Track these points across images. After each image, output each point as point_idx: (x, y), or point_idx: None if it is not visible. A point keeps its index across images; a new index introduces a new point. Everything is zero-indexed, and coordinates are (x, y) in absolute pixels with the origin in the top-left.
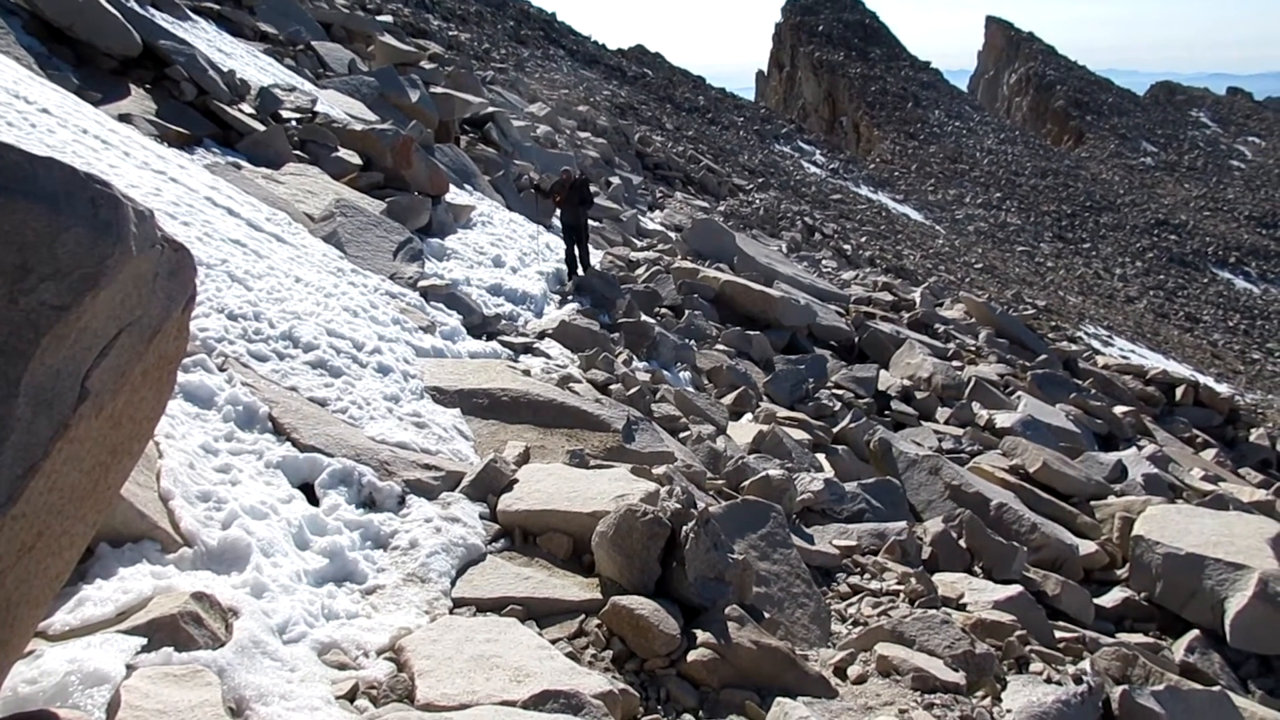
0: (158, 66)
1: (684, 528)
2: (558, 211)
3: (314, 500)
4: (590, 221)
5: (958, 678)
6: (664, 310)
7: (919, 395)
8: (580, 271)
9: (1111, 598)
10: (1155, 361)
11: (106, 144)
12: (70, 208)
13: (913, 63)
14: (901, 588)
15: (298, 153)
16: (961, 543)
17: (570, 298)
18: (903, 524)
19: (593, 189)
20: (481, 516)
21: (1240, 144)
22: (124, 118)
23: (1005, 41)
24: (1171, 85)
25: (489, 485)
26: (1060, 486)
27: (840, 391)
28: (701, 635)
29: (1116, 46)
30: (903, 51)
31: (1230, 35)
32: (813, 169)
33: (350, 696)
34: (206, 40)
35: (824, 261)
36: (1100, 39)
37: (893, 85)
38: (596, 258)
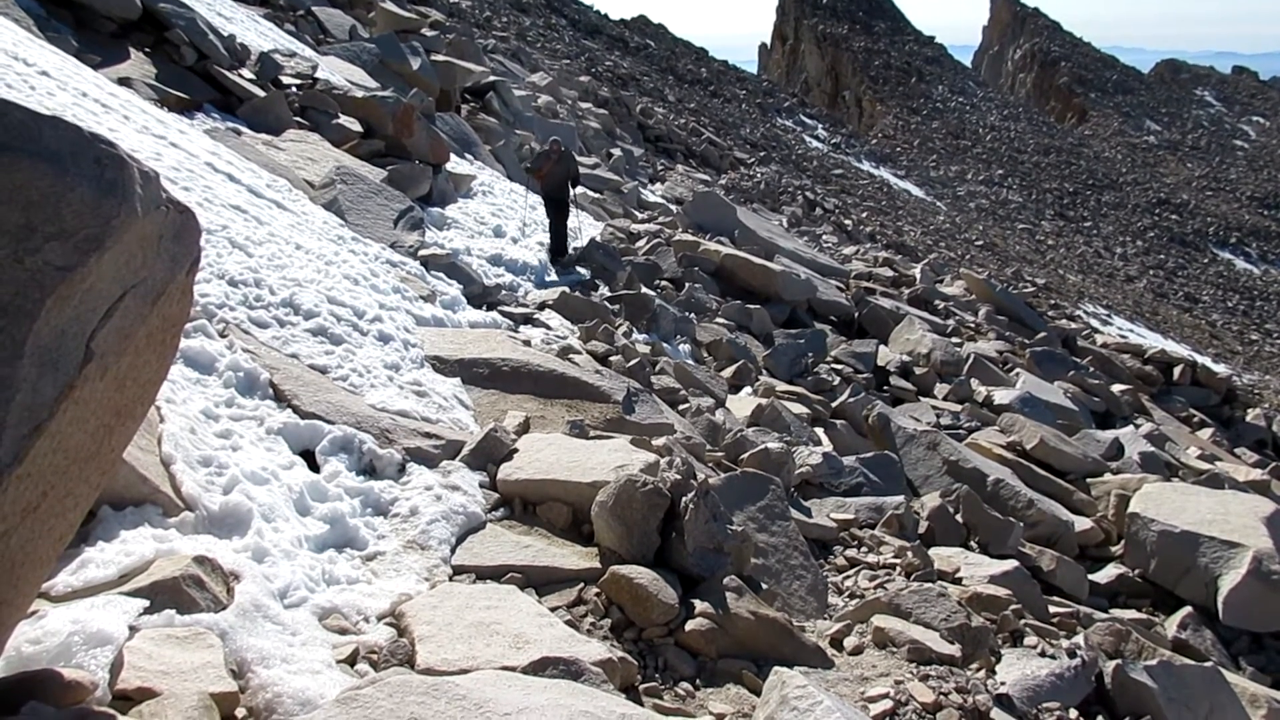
0: (157, 30)
1: (683, 499)
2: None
3: (315, 467)
4: (589, 192)
5: (953, 650)
6: (664, 283)
7: (918, 371)
8: (562, 248)
9: (1106, 574)
10: (1154, 341)
11: (106, 108)
12: (76, 167)
13: (917, 37)
14: (898, 561)
15: (298, 119)
16: (958, 517)
17: (565, 271)
18: (900, 498)
19: (584, 160)
20: (481, 485)
21: (1244, 124)
22: (123, 81)
23: (1010, 17)
24: (1176, 63)
25: (489, 454)
26: (1057, 463)
27: (839, 366)
28: (700, 605)
29: (1122, 23)
30: (907, 26)
31: (1237, 13)
32: (814, 143)
33: (351, 661)
34: (206, 4)
35: (825, 236)
36: (1105, 15)
37: (896, 60)
38: (596, 229)
